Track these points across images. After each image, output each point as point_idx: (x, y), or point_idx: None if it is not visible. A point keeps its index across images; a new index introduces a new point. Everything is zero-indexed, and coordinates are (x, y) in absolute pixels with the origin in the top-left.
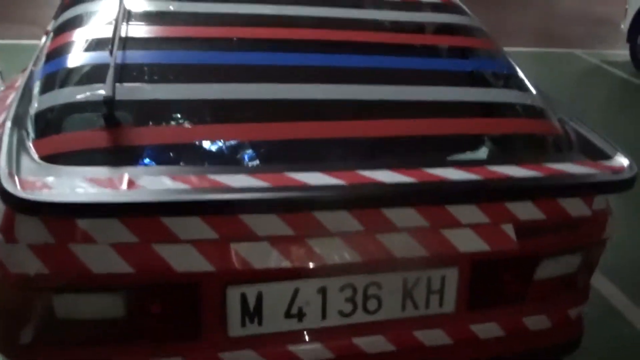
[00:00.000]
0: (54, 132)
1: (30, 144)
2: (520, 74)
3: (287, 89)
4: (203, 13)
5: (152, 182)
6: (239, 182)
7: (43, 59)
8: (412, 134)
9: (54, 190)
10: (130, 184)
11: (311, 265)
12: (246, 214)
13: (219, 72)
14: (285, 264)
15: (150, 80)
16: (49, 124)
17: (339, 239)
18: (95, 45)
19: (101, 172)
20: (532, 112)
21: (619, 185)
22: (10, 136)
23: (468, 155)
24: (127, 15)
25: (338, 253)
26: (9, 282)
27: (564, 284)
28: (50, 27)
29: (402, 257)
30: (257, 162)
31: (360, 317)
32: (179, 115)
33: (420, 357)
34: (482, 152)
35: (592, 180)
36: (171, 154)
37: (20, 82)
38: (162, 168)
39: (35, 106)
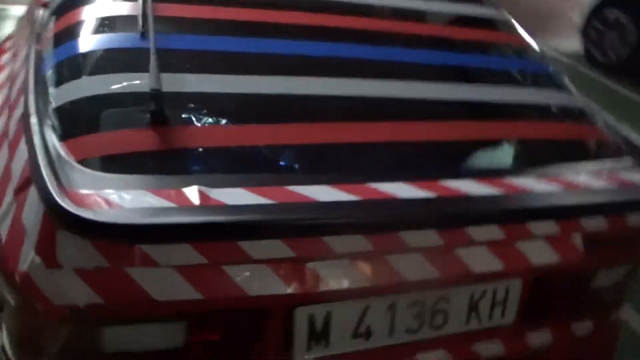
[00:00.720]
0: (89, 131)
1: (60, 146)
2: (559, 73)
3: (365, 85)
4: None
5: (229, 196)
6: (325, 196)
7: (52, 38)
8: (486, 138)
9: (119, 209)
10: (204, 198)
11: (387, 281)
12: (333, 235)
13: (275, 62)
14: (361, 281)
15: (197, 70)
16: (80, 119)
17: (419, 254)
18: (123, 24)
19: (161, 182)
20: (580, 115)
21: None
22: (42, 137)
23: (529, 163)
24: None
25: (417, 269)
26: (51, 317)
27: (613, 292)
28: None
29: (479, 271)
30: (336, 168)
31: (426, 332)
32: (238, 112)
33: None
34: (542, 160)
35: None
36: (238, 159)
37: (19, 63)
38: (232, 178)
39: (59, 98)
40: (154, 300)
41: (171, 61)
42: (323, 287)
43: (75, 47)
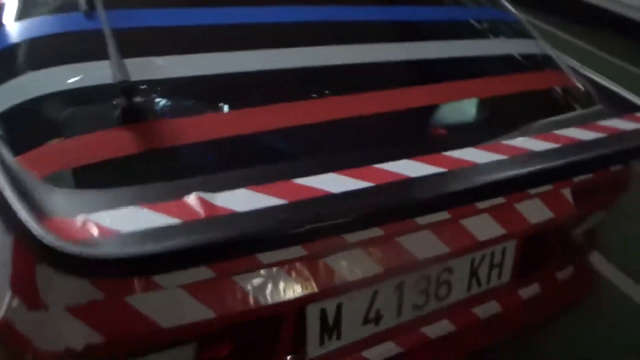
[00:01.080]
0: (49, 138)
1: (17, 161)
2: (521, 20)
3: (349, 50)
4: None
5: (236, 201)
6: (337, 186)
7: None
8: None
9: (114, 235)
10: (210, 207)
11: (397, 262)
12: (351, 228)
13: (243, 34)
14: (372, 266)
15: (163, 52)
16: (36, 126)
17: (428, 230)
18: (61, 2)
19: (154, 192)
20: (549, 63)
21: None
22: None
23: (514, 121)
24: None
25: (425, 245)
26: None
27: (590, 236)
28: None
29: (481, 238)
30: (335, 151)
31: (431, 306)
32: (217, 98)
33: (475, 331)
34: (526, 116)
35: None
36: (232, 154)
37: None
38: (231, 176)
39: (1, 102)
40: (161, 328)
41: (130, 43)
42: (335, 280)
43: (5, 37)
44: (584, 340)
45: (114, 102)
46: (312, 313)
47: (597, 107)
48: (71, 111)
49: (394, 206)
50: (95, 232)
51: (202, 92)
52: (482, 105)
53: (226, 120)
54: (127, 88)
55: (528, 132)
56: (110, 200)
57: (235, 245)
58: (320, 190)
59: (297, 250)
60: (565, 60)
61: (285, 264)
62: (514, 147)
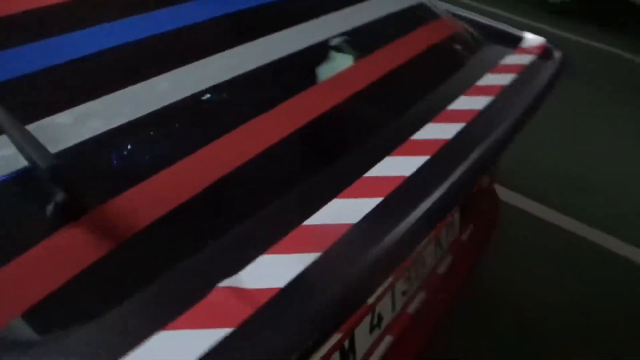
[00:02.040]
0: None
1: None
2: None
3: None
4: None
5: (264, 275)
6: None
7: None
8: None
9: None
10: (238, 296)
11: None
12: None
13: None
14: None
15: (59, 106)
16: None
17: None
18: None
19: (162, 299)
20: (429, 13)
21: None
22: None
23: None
24: None
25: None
26: None
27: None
28: None
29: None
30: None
31: (414, 285)
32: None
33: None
34: (440, 78)
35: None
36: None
37: None
38: (237, 243)
39: None
40: None
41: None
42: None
43: None
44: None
45: (42, 193)
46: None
47: (490, 47)
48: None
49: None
50: None
51: (143, 146)
52: (395, 82)
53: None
54: (54, 171)
55: (454, 93)
56: (112, 339)
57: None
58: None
59: None
60: (440, 7)
61: None
62: (460, 111)
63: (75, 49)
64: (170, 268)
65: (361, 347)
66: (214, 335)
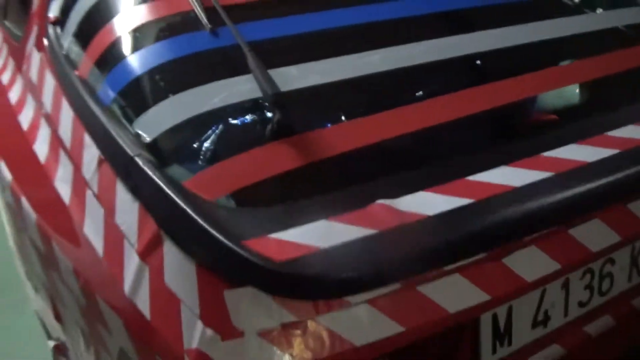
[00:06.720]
0: (212, 160)
1: (187, 186)
2: None
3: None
4: None
5: (422, 205)
6: (517, 179)
7: (96, 61)
8: None
9: (318, 252)
10: (398, 215)
11: (567, 257)
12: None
13: (366, 34)
14: (545, 264)
15: (293, 60)
16: (192, 149)
17: (598, 219)
18: (177, 25)
19: (330, 205)
20: None
21: None
22: (161, 177)
23: None
24: None
25: (596, 236)
26: None
27: None
28: (53, 14)
29: None
30: (501, 141)
31: (595, 301)
32: (360, 101)
33: (632, 322)
34: None
35: None
36: (391, 156)
37: (49, 99)
38: (402, 180)
39: (149, 128)
40: (355, 347)
41: (258, 56)
42: (511, 282)
43: (134, 66)
44: None
45: (263, 116)
46: (486, 319)
47: None
48: (224, 131)
49: (585, 196)
50: (296, 250)
51: (345, 98)
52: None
53: (380, 122)
54: (279, 100)
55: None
56: (293, 217)
57: (457, 249)
58: (501, 185)
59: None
60: None
61: (467, 268)
62: None
63: (319, 23)
64: (347, 186)
65: (518, 336)
66: (361, 232)
